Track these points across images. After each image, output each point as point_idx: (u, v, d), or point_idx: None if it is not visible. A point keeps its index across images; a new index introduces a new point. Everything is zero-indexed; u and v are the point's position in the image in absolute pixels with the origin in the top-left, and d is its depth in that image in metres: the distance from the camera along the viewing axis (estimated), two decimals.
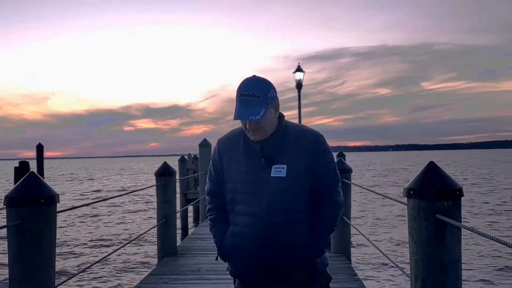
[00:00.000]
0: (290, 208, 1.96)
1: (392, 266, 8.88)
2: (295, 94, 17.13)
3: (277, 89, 2.01)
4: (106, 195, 27.98)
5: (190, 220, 15.21)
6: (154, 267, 5.83)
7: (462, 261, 2.39)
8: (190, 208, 15.31)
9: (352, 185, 5.91)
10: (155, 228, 5.92)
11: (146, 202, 23.89)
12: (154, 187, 5.91)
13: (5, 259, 9.68)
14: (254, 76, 1.98)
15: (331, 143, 2.20)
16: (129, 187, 36.56)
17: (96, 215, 19.38)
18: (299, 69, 17.00)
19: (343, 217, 5.49)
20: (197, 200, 12.74)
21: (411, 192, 2.37)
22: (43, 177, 7.49)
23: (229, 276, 2.18)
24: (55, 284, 2.78)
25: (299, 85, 17.01)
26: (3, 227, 2.55)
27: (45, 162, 36.53)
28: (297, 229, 1.98)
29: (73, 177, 57.52)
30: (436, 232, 2.29)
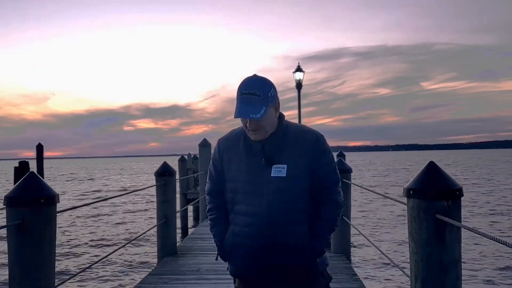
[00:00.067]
0: (290, 208, 1.96)
1: (392, 266, 8.88)
2: (295, 94, 17.16)
3: (277, 89, 2.00)
4: (106, 195, 27.97)
5: (190, 220, 15.21)
6: (154, 267, 5.82)
7: (462, 261, 2.39)
8: (190, 208, 15.31)
9: (352, 185, 5.92)
10: (155, 228, 5.92)
11: (146, 202, 23.89)
12: (154, 187, 5.91)
13: (5, 259, 9.68)
14: (255, 75, 1.98)
15: (331, 143, 2.20)
16: (129, 187, 36.56)
17: (97, 215, 19.37)
18: (299, 69, 17.01)
19: (343, 217, 5.49)
20: (197, 200, 12.75)
21: (411, 192, 2.37)
22: (43, 177, 7.49)
23: (229, 276, 2.18)
24: (55, 284, 2.78)
25: (299, 85, 17.01)
26: (3, 227, 2.55)
27: (45, 162, 36.51)
28: (297, 229, 1.98)
29: (73, 177, 57.51)
30: (436, 232, 2.29)
